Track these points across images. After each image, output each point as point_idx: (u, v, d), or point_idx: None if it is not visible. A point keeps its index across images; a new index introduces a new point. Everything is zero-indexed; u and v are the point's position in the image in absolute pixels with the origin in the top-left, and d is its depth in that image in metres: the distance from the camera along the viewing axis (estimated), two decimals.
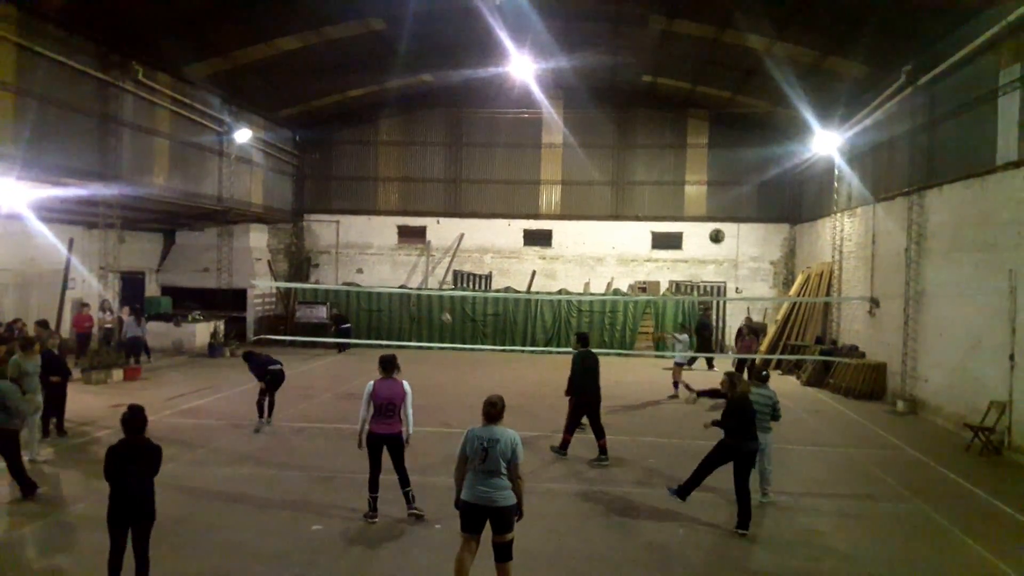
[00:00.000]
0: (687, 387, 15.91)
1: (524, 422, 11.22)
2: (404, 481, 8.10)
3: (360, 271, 27.35)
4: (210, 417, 13.14)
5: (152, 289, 24.36)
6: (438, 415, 13.30)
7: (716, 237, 26.20)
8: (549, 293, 24.70)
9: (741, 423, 8.21)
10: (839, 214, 20.56)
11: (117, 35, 16.22)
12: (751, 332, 18.04)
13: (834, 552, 7.67)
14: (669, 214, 26.47)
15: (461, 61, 22.67)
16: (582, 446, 11.05)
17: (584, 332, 13.21)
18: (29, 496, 8.46)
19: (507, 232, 26.99)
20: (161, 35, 17.11)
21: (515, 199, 27.03)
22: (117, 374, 16.53)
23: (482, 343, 23.62)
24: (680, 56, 21.28)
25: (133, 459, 5.94)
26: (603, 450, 10.64)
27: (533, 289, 25.52)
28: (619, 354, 22.36)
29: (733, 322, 23.65)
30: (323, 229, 27.69)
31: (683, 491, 8.45)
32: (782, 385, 14.99)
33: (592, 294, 24.76)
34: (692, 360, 21.06)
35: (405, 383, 8.08)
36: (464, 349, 22.94)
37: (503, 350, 23.17)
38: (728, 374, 8.73)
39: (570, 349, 12.10)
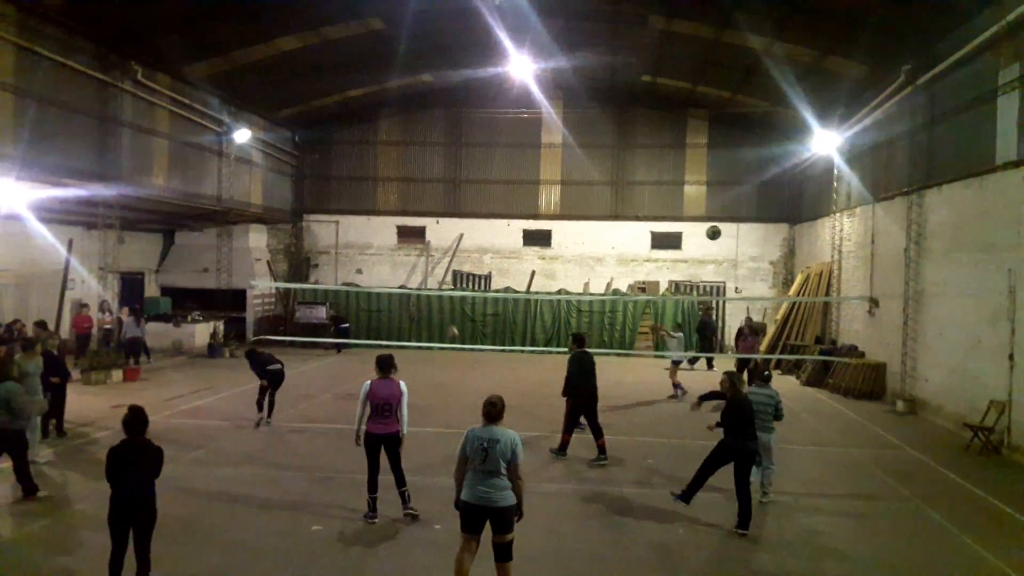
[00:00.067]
0: (676, 386, 16.04)
1: (524, 422, 11.21)
2: (400, 481, 8.10)
3: (359, 271, 27.35)
4: (210, 417, 13.14)
5: (151, 289, 24.35)
6: (438, 415, 13.30)
7: (713, 234, 26.20)
8: (549, 293, 24.70)
9: (741, 423, 8.21)
10: (838, 214, 20.56)
11: (116, 35, 16.22)
12: (753, 332, 18.01)
13: (834, 552, 7.67)
14: (669, 214, 26.48)
15: (461, 61, 22.68)
16: (582, 446, 11.05)
17: (579, 333, 13.23)
18: (29, 497, 8.46)
19: (507, 232, 27.00)
20: (160, 35, 17.12)
21: (515, 199, 27.03)
22: (117, 375, 16.52)
23: (482, 343, 23.62)
24: (680, 56, 21.29)
25: (134, 460, 5.93)
26: (602, 449, 10.65)
27: (533, 289, 25.52)
28: (619, 354, 22.38)
29: (732, 322, 23.66)
30: (322, 229, 27.69)
31: (687, 495, 8.44)
32: (782, 385, 14.97)
33: (592, 294, 24.77)
34: (694, 360, 21.13)
35: (402, 383, 8.09)
36: (464, 349, 22.94)
37: (503, 350, 23.18)
38: (728, 373, 8.72)
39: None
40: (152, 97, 18.19)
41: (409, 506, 8.13)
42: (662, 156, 26.57)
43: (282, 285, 25.02)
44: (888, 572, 7.31)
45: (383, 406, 7.92)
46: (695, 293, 25.42)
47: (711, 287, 26.05)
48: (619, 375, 18.61)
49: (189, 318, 22.16)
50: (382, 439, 7.96)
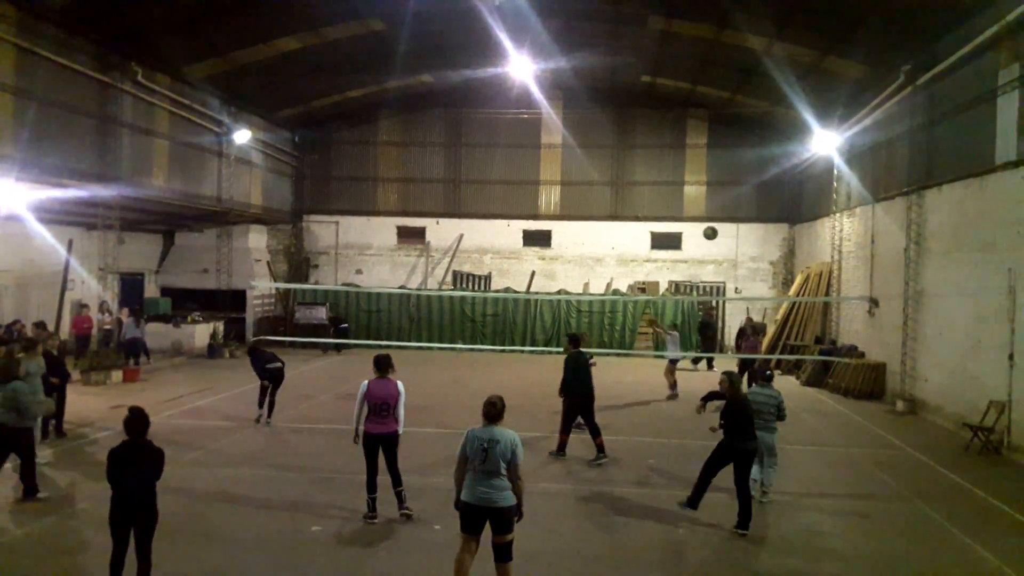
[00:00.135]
0: (672, 385, 16.07)
1: (524, 422, 11.19)
2: (396, 481, 8.11)
3: (359, 272, 27.34)
4: (210, 418, 13.14)
5: (151, 290, 24.35)
6: (438, 416, 13.30)
7: (710, 234, 26.20)
8: (548, 293, 24.70)
9: (740, 423, 8.21)
10: (838, 214, 20.56)
11: (116, 36, 16.22)
12: (755, 332, 17.99)
13: (834, 552, 7.67)
14: (668, 214, 26.48)
15: (460, 61, 22.67)
16: (581, 446, 11.06)
17: (575, 333, 13.24)
18: (29, 498, 8.46)
19: (506, 232, 26.99)
20: (160, 36, 17.12)
21: (514, 199, 27.03)
22: (116, 375, 16.52)
23: (481, 343, 23.62)
24: (679, 56, 21.30)
25: (134, 461, 5.93)
26: (600, 448, 10.68)
27: (532, 289, 25.53)
28: (618, 354, 22.39)
29: (732, 322, 23.67)
30: (322, 230, 27.69)
31: (693, 501, 8.45)
32: (781, 385, 14.93)
33: (591, 294, 24.77)
34: (697, 360, 21.18)
35: (399, 383, 8.11)
36: (464, 349, 22.96)
37: (503, 350, 23.18)
38: (727, 373, 8.72)
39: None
40: (152, 98, 18.18)
41: (405, 506, 8.14)
42: (662, 156, 26.57)
43: (282, 285, 25.02)
44: (888, 572, 7.31)
45: (380, 406, 7.93)
46: (695, 293, 25.42)
47: (711, 287, 26.05)
48: (619, 375, 18.62)
49: (189, 319, 22.15)
50: (380, 439, 7.97)
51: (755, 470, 8.73)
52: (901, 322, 15.70)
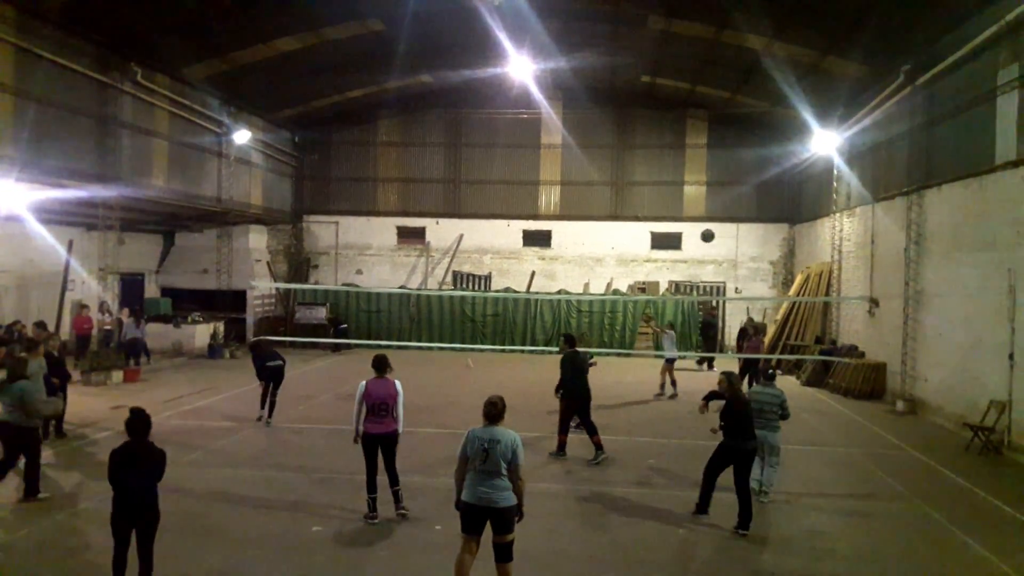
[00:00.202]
0: (662, 385, 16.11)
1: (524, 422, 11.20)
2: (394, 480, 8.12)
3: (359, 272, 27.35)
4: (210, 418, 13.14)
5: (151, 290, 24.35)
6: (438, 416, 13.31)
7: (707, 236, 26.19)
8: (548, 293, 24.71)
9: (739, 423, 8.21)
10: (838, 214, 20.57)
11: (116, 36, 16.22)
12: (756, 332, 17.98)
13: (834, 552, 7.67)
14: (668, 214, 26.48)
15: (460, 62, 22.68)
16: (581, 446, 11.05)
17: (570, 333, 13.24)
18: (30, 498, 8.46)
19: (506, 233, 26.99)
20: (160, 36, 17.10)
21: (514, 200, 27.03)
22: (117, 376, 16.52)
23: (482, 343, 23.63)
24: (679, 56, 21.29)
25: (136, 462, 5.93)
26: (599, 447, 10.70)
27: (532, 289, 25.53)
28: (619, 354, 22.40)
29: (732, 322, 23.68)
30: (322, 230, 27.69)
31: (701, 508, 8.43)
32: (781, 385, 14.92)
33: (591, 294, 24.78)
34: (702, 360, 21.21)
35: (397, 383, 8.12)
36: (464, 349, 22.95)
37: (503, 350, 23.19)
38: (725, 374, 8.72)
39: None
40: (151, 98, 18.19)
41: (401, 506, 8.15)
42: (662, 156, 26.57)
43: (282, 286, 25.02)
44: (889, 572, 7.31)
45: (379, 406, 7.95)
46: (695, 293, 25.43)
47: (711, 287, 26.05)
48: (619, 375, 18.63)
49: (189, 319, 22.15)
50: (379, 439, 7.98)
51: (755, 469, 8.74)
52: (901, 322, 15.71)
